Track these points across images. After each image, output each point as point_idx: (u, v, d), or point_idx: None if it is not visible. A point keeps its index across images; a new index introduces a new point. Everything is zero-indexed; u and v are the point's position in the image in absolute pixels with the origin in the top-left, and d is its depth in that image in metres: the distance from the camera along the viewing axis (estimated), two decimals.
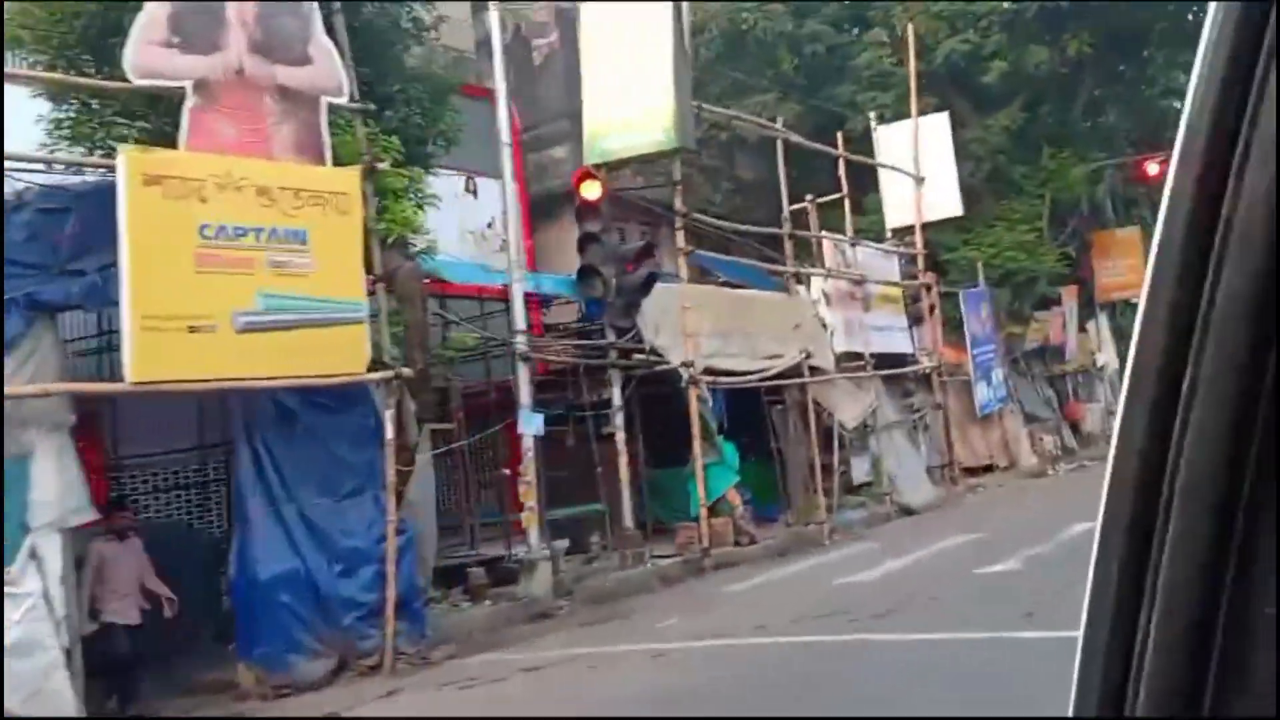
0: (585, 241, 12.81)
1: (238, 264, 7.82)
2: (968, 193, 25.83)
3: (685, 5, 13.44)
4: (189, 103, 7.81)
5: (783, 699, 6.43)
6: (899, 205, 20.92)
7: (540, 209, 19.65)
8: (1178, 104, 32.44)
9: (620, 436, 13.05)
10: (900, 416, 20.17)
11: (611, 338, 13.25)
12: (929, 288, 20.66)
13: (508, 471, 11.44)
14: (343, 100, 8.64)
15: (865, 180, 21.86)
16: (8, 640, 7.00)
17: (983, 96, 25.60)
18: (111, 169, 7.43)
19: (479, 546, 12.28)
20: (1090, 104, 28.64)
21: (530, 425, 11.33)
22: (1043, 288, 26.63)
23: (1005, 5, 23.83)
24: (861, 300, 18.90)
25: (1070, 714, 0.79)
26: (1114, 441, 0.78)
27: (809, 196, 18.45)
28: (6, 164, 7.28)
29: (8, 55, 8.47)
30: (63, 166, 8.46)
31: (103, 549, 8.23)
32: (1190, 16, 24.89)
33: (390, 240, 8.91)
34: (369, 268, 8.78)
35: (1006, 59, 23.74)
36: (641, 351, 13.62)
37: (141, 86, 7.71)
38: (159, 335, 7.33)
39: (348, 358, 8.51)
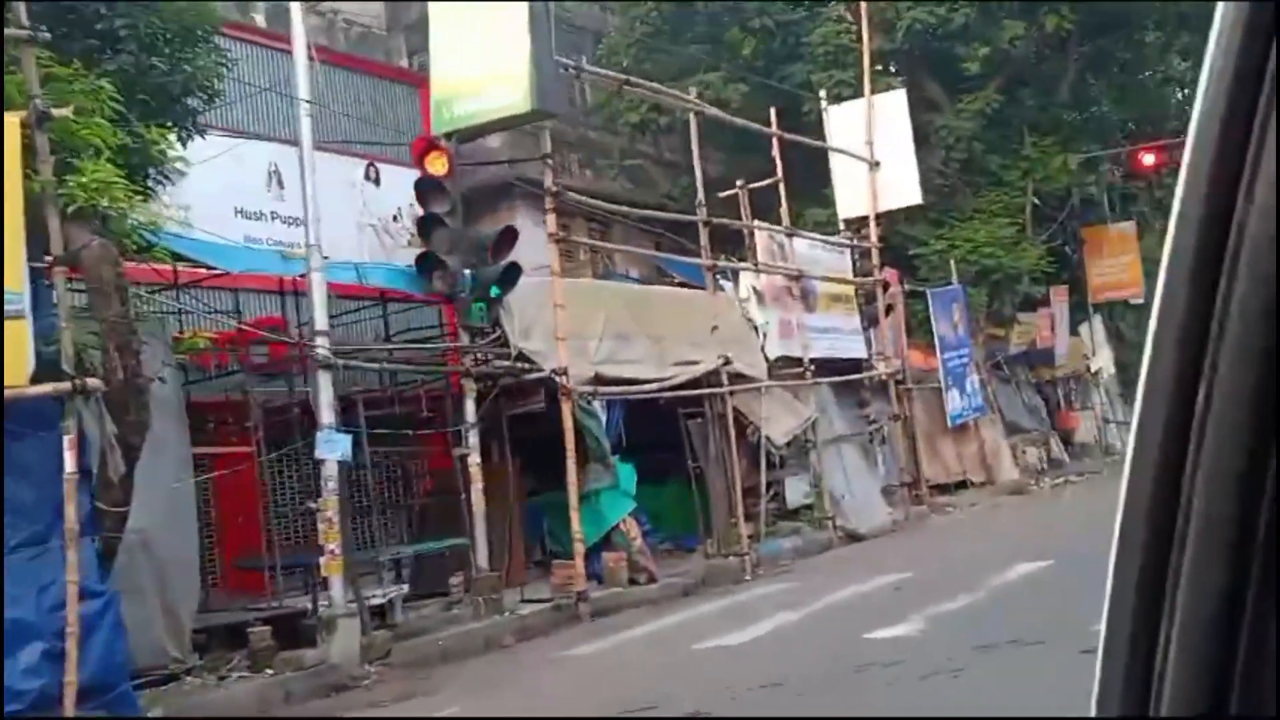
0: (427, 225, 10.67)
1: None
2: (941, 184, 23.66)
3: None
4: None
5: None
6: (853, 193, 18.68)
7: (476, 202, 17.50)
8: (1177, 92, 30.36)
9: (474, 459, 10.88)
10: (852, 429, 17.93)
11: (464, 340, 11.07)
12: (885, 285, 18.41)
13: (314, 505, 9.25)
14: None
15: (824, 168, 19.68)
16: None
17: (956, 79, 23.37)
18: None
19: (283, 598, 10.09)
20: (1082, 92, 26.40)
21: (331, 449, 9.18)
22: (1026, 287, 24.32)
23: None
24: (802, 298, 16.68)
25: (1093, 714, 0.75)
26: (1131, 441, 0.74)
27: (740, 182, 16.26)
28: None
29: None
30: None
31: None
32: None
33: (71, 210, 6.79)
34: (45, 247, 6.68)
35: (977, 34, 21.51)
36: (507, 357, 11.44)
37: None
38: None
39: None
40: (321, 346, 9.26)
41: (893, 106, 18.54)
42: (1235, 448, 0.67)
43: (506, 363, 11.37)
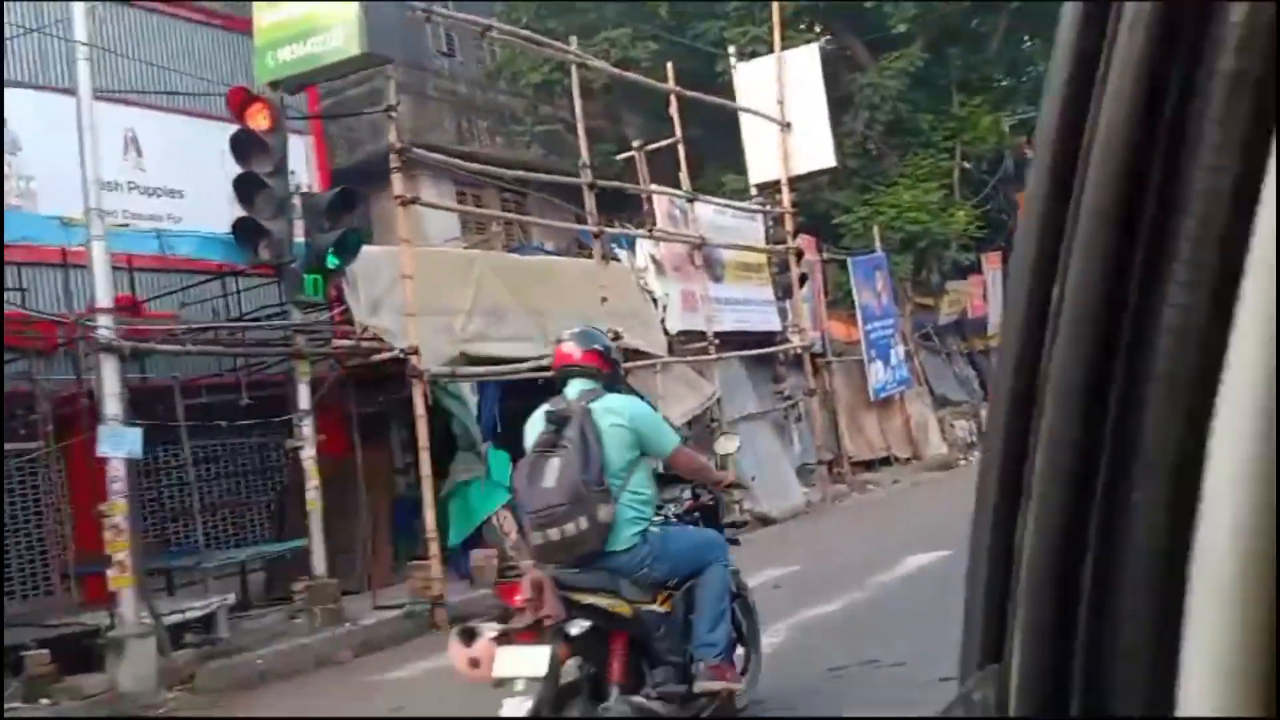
0: (246, 187, 9.38)
1: None
2: (865, 147, 22.64)
3: None
4: None
5: None
6: (764, 156, 17.55)
7: (370, 174, 16.09)
8: None
9: (308, 452, 9.66)
10: (764, 407, 16.91)
11: (296, 318, 9.81)
12: (799, 253, 17.33)
13: (104, 510, 7.97)
14: None
15: (740, 131, 18.53)
16: None
17: (882, 36, 22.34)
18: None
19: (81, 612, 8.83)
20: (1015, 51, 25.50)
21: (117, 445, 7.92)
22: (955, 254, 23.43)
23: None
24: (707, 268, 15.57)
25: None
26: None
27: (636, 143, 15.09)
28: None
29: None
30: None
31: None
32: None
33: None
34: None
35: None
36: (350, 335, 10.21)
37: None
38: None
39: None
40: (104, 328, 7.97)
41: (805, 63, 17.40)
42: (1064, 445, 0.68)
43: (349, 342, 10.12)
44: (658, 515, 4.97)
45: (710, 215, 15.94)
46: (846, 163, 21.65)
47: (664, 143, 15.26)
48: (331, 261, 9.87)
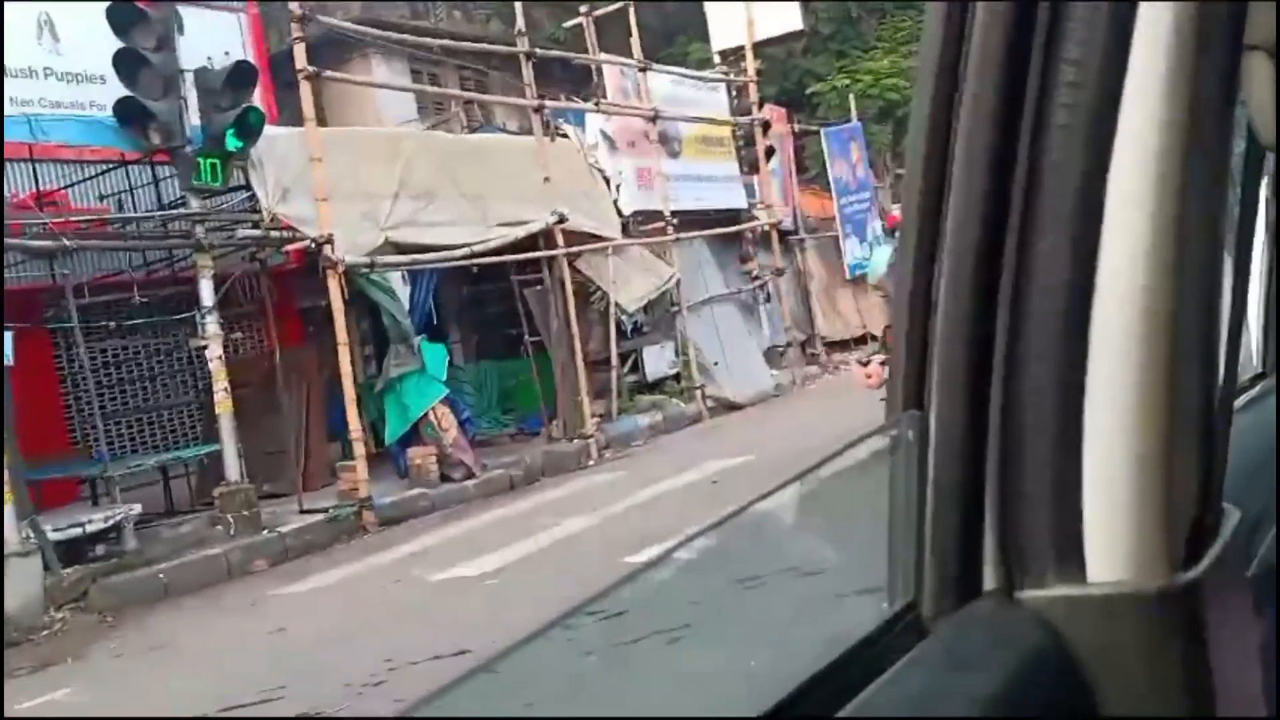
0: (128, 64, 8.50)
1: None
2: (841, 10, 21.39)
3: None
4: None
5: None
6: (727, 21, 16.43)
7: (320, 56, 14.97)
8: None
9: (214, 351, 9.01)
10: (731, 288, 16.21)
11: (194, 207, 9.03)
12: (766, 126, 16.37)
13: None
14: None
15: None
16: None
17: None
18: None
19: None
20: None
21: None
22: None
23: None
24: (663, 143, 14.66)
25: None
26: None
27: (584, 9, 14.01)
28: None
29: None
30: None
31: None
32: None
33: None
34: None
35: None
36: (257, 224, 9.45)
37: None
38: None
39: None
40: None
41: None
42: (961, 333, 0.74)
43: (257, 232, 9.37)
44: None
45: (667, 87, 14.95)
46: (820, 28, 20.48)
47: (611, 6, 14.17)
48: (232, 144, 9.06)
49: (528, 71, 11.96)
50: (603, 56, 13.83)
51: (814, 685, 0.67)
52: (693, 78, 15.79)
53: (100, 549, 8.61)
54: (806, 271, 18.61)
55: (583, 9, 13.89)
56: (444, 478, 10.77)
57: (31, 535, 7.50)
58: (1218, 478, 0.78)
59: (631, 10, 13.94)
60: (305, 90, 9.35)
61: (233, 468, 9.07)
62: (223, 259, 9.94)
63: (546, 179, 12.02)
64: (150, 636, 6.73)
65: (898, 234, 1.09)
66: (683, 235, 14.42)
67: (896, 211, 17.15)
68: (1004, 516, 0.74)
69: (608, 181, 13.80)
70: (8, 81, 12.24)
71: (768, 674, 0.74)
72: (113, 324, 9.19)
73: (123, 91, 8.64)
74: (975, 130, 0.74)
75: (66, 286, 8.60)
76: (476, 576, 6.68)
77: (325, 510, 9.56)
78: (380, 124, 14.94)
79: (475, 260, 11.20)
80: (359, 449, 9.55)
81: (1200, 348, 0.73)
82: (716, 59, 16.80)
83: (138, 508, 8.86)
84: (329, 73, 10.02)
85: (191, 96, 9.05)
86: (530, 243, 12.10)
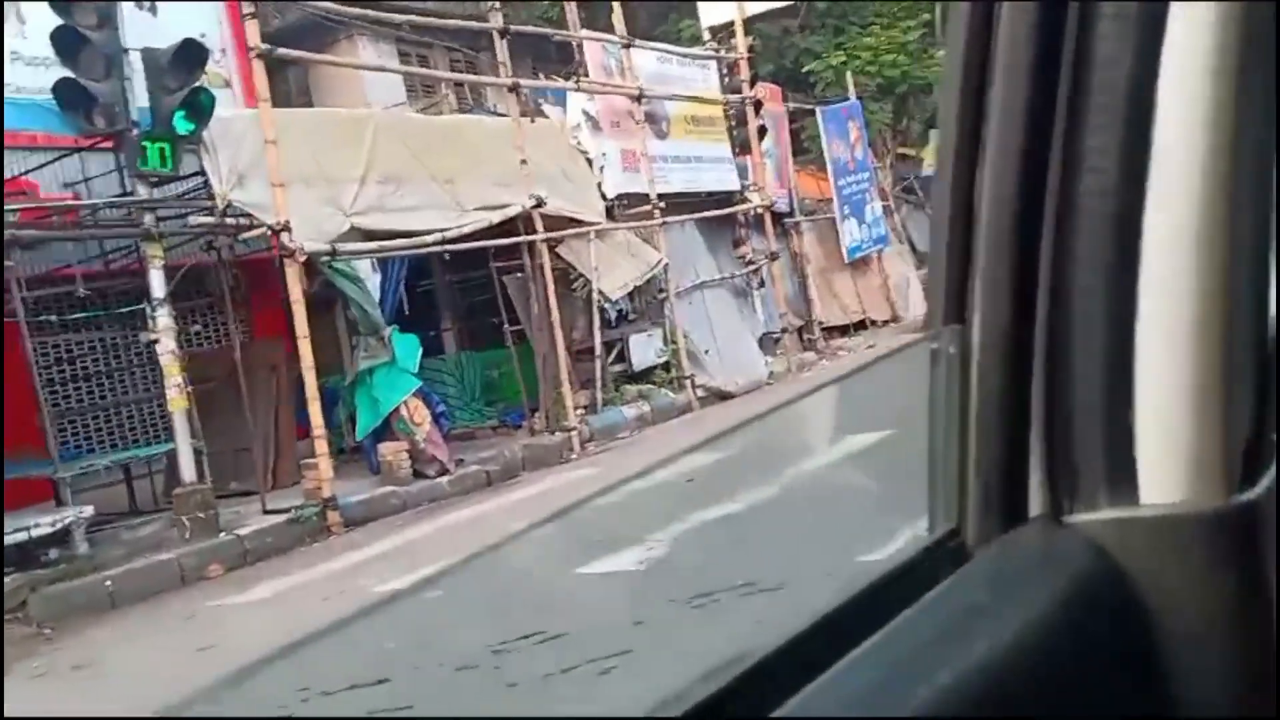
0: (66, 43, 8.04)
1: None
2: None
3: None
4: None
5: None
6: None
7: (304, 38, 14.47)
8: None
9: (166, 345, 8.57)
10: (723, 273, 15.73)
11: (142, 194, 8.57)
12: (758, 104, 15.82)
13: None
14: None
15: None
16: None
17: None
18: None
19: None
20: None
21: None
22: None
23: None
24: (650, 123, 14.15)
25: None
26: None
27: None
28: None
29: None
30: None
31: None
32: None
33: None
34: None
35: None
36: (210, 211, 8.99)
37: None
38: None
39: None
40: None
41: None
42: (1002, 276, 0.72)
43: (211, 219, 8.91)
44: None
45: (653, 64, 14.42)
46: (815, 3, 19.90)
47: None
48: (181, 127, 8.60)
49: (502, 49, 11.46)
50: (583, 33, 13.30)
51: (852, 608, 0.67)
52: (679, 55, 15.25)
53: (53, 553, 8.21)
54: (803, 255, 18.09)
55: None
56: (417, 474, 10.33)
57: None
58: (1273, 399, 0.73)
59: None
60: (258, 69, 8.87)
61: (188, 467, 8.64)
62: (178, 248, 9.50)
63: (524, 161, 11.53)
64: (79, 653, 6.31)
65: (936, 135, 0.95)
66: (670, 219, 13.92)
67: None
68: (1051, 436, 0.73)
69: (590, 163, 13.30)
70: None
71: (809, 600, 0.71)
72: (55, 318, 8.71)
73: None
74: (1015, 49, 0.72)
75: (12, 279, 8.16)
76: (423, 595, 6.24)
77: (288, 511, 9.14)
78: (368, 107, 14.50)
79: (447, 246, 10.74)
80: (321, 446, 9.10)
81: (1254, 268, 0.70)
82: (706, 35, 16.24)
83: (89, 510, 8.44)
84: (283, 50, 9.50)
85: (140, 80, 8.60)
86: (508, 228, 11.63)
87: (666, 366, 13.79)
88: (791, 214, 17.80)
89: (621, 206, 13.62)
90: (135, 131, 8.40)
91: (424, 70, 14.76)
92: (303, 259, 9.13)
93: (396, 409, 10.45)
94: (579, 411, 11.96)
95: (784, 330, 16.30)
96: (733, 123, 15.82)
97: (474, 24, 11.82)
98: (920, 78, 20.33)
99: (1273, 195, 0.70)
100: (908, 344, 0.68)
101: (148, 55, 8.59)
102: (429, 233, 10.64)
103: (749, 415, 1.71)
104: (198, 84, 8.66)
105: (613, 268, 12.80)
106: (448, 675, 1.03)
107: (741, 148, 15.85)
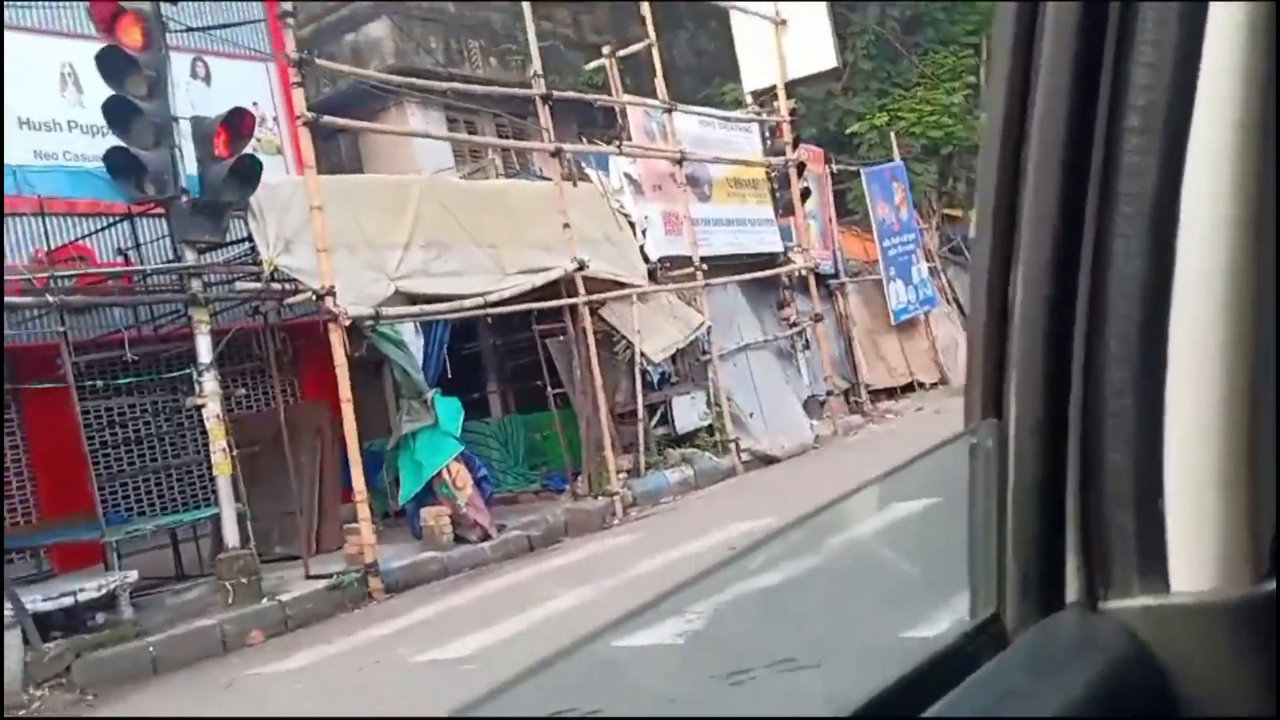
0: (118, 112, 8.22)
1: None
2: (879, 47, 20.85)
3: None
4: None
5: None
6: (759, 59, 15.99)
7: (355, 104, 14.82)
8: None
9: (212, 409, 8.61)
10: (767, 335, 15.61)
11: (190, 260, 8.68)
12: (801, 166, 15.83)
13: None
14: None
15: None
16: None
17: None
18: None
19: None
20: None
21: None
22: None
23: None
24: (692, 186, 14.18)
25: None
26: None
27: (606, 49, 13.66)
28: None
29: None
30: None
31: None
32: None
33: None
34: None
35: None
36: (257, 276, 9.09)
37: None
38: None
39: None
40: None
41: None
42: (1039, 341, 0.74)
43: (258, 284, 9.00)
44: None
45: (695, 128, 14.50)
46: (859, 64, 19.99)
47: (636, 47, 13.78)
48: (228, 194, 8.74)
49: (544, 114, 11.57)
50: (626, 98, 13.42)
51: (896, 691, 0.67)
52: (722, 118, 15.32)
53: (100, 618, 8.20)
54: (848, 317, 17.95)
55: (605, 50, 13.51)
56: (459, 539, 10.24)
57: (13, 609, 7.07)
58: None
59: (655, 51, 13.51)
60: (304, 137, 9.01)
61: (232, 532, 8.63)
62: (226, 313, 9.60)
63: (566, 225, 11.57)
64: None
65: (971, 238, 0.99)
66: (713, 281, 13.87)
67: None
68: (1086, 525, 0.75)
69: (633, 226, 13.33)
70: (33, 135, 12.25)
71: (849, 680, 0.75)
72: (103, 382, 8.80)
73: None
74: (1048, 135, 0.74)
75: (62, 344, 8.26)
76: (454, 660, 6.09)
77: (330, 576, 9.07)
78: (418, 173, 14.72)
79: (490, 310, 10.76)
80: (363, 511, 9.05)
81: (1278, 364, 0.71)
82: (748, 98, 16.33)
83: (134, 574, 8.45)
84: (329, 118, 9.65)
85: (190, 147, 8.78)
86: (551, 290, 11.64)
87: (710, 430, 13.64)
88: (836, 275, 17.70)
89: (664, 269, 13.61)
90: (184, 198, 8.54)
91: (470, 137, 14.98)
92: (347, 323, 9.15)
93: (439, 473, 10.39)
94: (622, 476, 11.84)
95: (829, 393, 16.09)
96: (776, 185, 15.83)
97: (519, 91, 11.94)
98: (964, 138, 20.26)
99: None
100: (948, 441, 0.75)
101: (197, 124, 8.78)
102: (472, 296, 10.68)
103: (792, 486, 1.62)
104: (246, 151, 8.80)
105: (655, 330, 12.74)
106: None
107: (785, 210, 15.83)
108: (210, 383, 8.61)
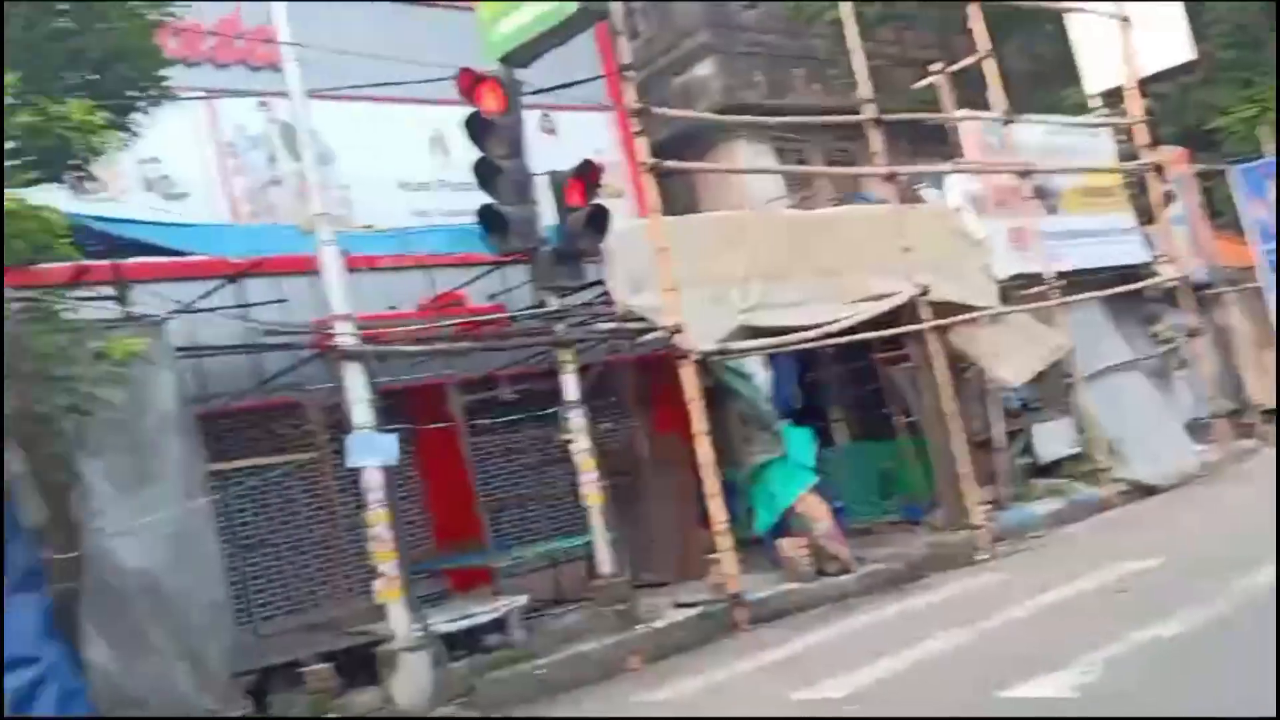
0: (485, 172, 8.92)
1: None
2: (1240, 33, 18.81)
3: None
4: None
5: None
6: (1102, 60, 14.89)
7: (688, 144, 15.53)
8: None
9: (581, 444, 9.01)
10: (1136, 354, 14.28)
11: (553, 305, 9.20)
12: (1159, 169, 14.48)
13: (366, 520, 7.75)
14: None
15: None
16: None
17: None
18: None
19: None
20: None
21: (369, 453, 7.66)
22: None
23: None
24: (1039, 198, 13.35)
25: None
26: None
27: (935, 66, 13.24)
28: None
29: None
30: None
31: None
32: None
33: None
34: None
35: None
36: (611, 317, 9.49)
37: None
38: None
39: None
40: (345, 334, 7.74)
41: None
42: None
43: (611, 325, 9.38)
44: None
45: (1037, 137, 13.67)
46: (1216, 54, 18.11)
47: (969, 60, 13.24)
48: (583, 241, 9.21)
49: (876, 138, 11.33)
50: (959, 114, 12.90)
51: None
52: (1066, 124, 14.35)
53: (494, 639, 8.74)
54: (1229, 330, 16.10)
55: (934, 66, 13.09)
56: (819, 571, 10.02)
57: (422, 630, 7.68)
58: None
59: (989, 62, 12.91)
60: (648, 182, 9.33)
61: (604, 560, 8.96)
62: (587, 352, 10.07)
63: (906, 249, 11.20)
64: None
65: None
66: (1070, 299, 12.91)
67: None
68: None
69: (977, 245, 12.69)
70: (409, 195, 13.64)
71: None
72: (486, 420, 9.48)
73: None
74: None
75: (450, 385, 9.00)
76: (838, 699, 5.84)
77: (697, 605, 9.16)
78: (748, 204, 14.94)
79: (833, 340, 10.57)
80: (724, 541, 9.09)
81: None
82: (1094, 101, 15.20)
83: (524, 599, 8.97)
84: (670, 163, 9.94)
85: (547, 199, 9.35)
86: (893, 316, 11.29)
87: (1078, 458, 12.61)
88: (1211, 285, 15.96)
89: (1014, 288, 12.84)
90: (545, 248, 9.08)
91: (801, 168, 14.96)
92: (696, 359, 9.30)
93: (793, 504, 10.27)
94: (983, 508, 11.15)
95: (1213, 415, 14.43)
96: (1134, 191, 14.57)
97: (848, 118, 11.79)
98: None
99: None
100: None
101: (553, 177, 9.33)
102: (814, 327, 10.54)
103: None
104: (596, 200, 9.24)
105: (1010, 353, 11.99)
106: None
107: (1146, 217, 14.52)
108: (577, 418, 9.02)
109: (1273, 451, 14.27)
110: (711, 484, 9.18)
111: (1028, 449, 12.46)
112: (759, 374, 10.43)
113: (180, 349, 7.73)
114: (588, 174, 9.24)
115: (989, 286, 12.45)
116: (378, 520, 7.71)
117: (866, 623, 8.50)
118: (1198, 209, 16.29)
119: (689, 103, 17.44)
